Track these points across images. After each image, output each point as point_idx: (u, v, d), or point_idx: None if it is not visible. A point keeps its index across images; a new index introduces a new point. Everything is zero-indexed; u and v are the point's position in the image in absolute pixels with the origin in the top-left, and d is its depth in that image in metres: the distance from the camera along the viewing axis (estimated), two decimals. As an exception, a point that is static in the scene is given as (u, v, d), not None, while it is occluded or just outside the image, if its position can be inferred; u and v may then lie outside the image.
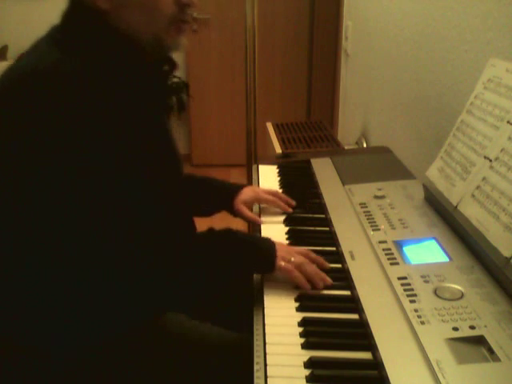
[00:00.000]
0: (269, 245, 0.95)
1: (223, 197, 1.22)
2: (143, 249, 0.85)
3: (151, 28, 0.86)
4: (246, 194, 1.21)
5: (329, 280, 0.91)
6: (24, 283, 0.83)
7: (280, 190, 1.31)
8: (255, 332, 0.81)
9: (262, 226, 1.15)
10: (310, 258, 0.95)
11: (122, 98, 0.83)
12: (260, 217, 1.19)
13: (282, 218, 1.18)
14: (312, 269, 0.92)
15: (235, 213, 1.21)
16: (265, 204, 1.22)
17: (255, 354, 0.76)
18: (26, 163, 0.76)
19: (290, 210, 1.19)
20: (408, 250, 0.95)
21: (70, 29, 0.85)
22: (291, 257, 0.92)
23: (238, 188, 1.22)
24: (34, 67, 0.79)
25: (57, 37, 0.85)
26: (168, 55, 0.95)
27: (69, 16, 0.86)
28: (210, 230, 0.96)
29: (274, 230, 1.13)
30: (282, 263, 0.91)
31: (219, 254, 0.92)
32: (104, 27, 0.84)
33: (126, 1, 0.84)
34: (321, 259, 0.96)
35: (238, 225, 2.49)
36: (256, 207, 1.23)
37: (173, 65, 0.97)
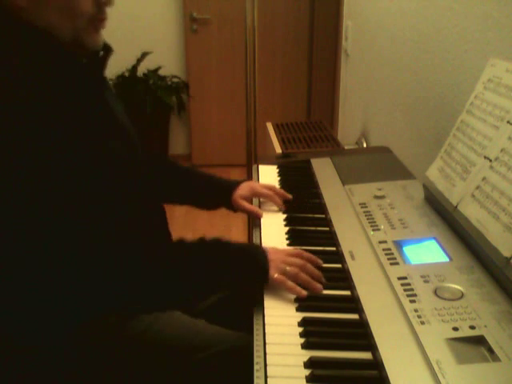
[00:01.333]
0: (261, 257, 0.93)
1: (221, 194, 1.22)
2: (101, 246, 0.84)
3: (70, 26, 0.85)
4: (244, 189, 1.22)
5: (323, 281, 0.91)
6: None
7: (272, 185, 1.30)
8: (255, 332, 0.81)
9: (262, 227, 1.14)
10: (304, 258, 0.94)
11: (41, 94, 0.81)
12: None
13: (282, 218, 1.18)
14: (307, 276, 0.90)
15: (234, 208, 1.21)
16: (262, 198, 1.23)
17: (255, 354, 0.76)
18: None
19: (284, 207, 1.20)
20: (408, 250, 0.95)
21: None
22: (286, 266, 0.91)
23: (235, 184, 1.23)
24: None
25: None
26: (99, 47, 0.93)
27: None
28: (201, 240, 0.95)
29: (274, 230, 1.13)
30: (276, 275, 0.89)
31: (205, 265, 0.91)
32: (20, 24, 0.82)
33: (45, 0, 0.82)
34: (314, 257, 0.96)
35: (239, 225, 2.49)
36: (256, 204, 1.23)
37: (108, 49, 0.95)
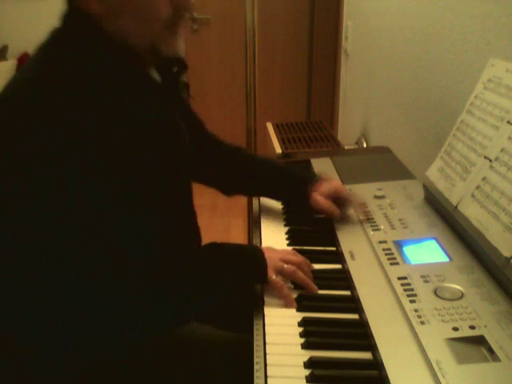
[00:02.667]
0: (259, 255, 0.92)
1: (299, 190, 1.15)
2: (136, 257, 0.84)
3: (146, 33, 0.84)
4: (326, 186, 1.13)
5: (315, 287, 0.91)
6: (15, 284, 0.82)
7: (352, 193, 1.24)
8: (255, 332, 0.81)
9: (262, 227, 1.14)
10: (299, 257, 0.95)
11: (112, 106, 0.82)
12: (260, 216, 1.19)
13: (282, 218, 1.18)
14: (303, 276, 0.91)
15: (310, 205, 1.13)
16: (344, 197, 1.13)
17: (255, 354, 0.76)
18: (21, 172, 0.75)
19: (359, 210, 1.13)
20: (408, 249, 0.95)
21: (66, 33, 0.84)
22: (283, 264, 0.91)
23: (314, 179, 1.15)
24: (15, 85, 0.80)
25: (51, 45, 0.84)
26: (177, 56, 0.93)
27: (65, 20, 0.85)
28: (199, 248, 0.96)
29: (274, 230, 1.13)
30: (274, 276, 0.89)
31: (210, 272, 0.90)
32: (98, 33, 0.82)
33: (120, 5, 0.82)
34: (307, 260, 0.96)
35: (239, 225, 2.49)
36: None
37: (182, 65, 0.96)
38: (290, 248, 1.03)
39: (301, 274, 0.91)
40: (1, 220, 0.78)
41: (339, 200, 1.13)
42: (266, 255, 0.92)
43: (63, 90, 0.77)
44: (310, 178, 1.16)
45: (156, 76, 0.96)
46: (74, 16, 0.84)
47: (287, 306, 0.87)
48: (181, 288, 0.87)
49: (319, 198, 1.11)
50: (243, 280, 0.94)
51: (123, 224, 0.82)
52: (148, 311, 0.84)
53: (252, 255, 0.93)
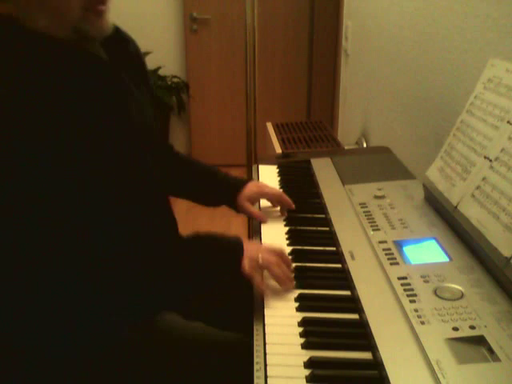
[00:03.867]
0: (235, 245, 0.94)
1: (226, 192, 1.20)
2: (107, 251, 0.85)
3: (63, 23, 0.81)
4: (251, 189, 1.19)
5: (293, 284, 0.92)
6: (8, 284, 0.83)
7: (280, 190, 1.31)
8: (255, 332, 0.81)
9: (262, 227, 1.14)
10: (283, 257, 0.95)
11: (44, 95, 0.79)
12: None
13: (282, 218, 1.18)
14: (279, 271, 0.91)
15: (238, 209, 1.20)
16: (268, 198, 1.21)
17: (255, 353, 0.76)
18: None
19: (293, 207, 1.18)
20: (408, 250, 0.95)
21: None
22: (258, 257, 0.92)
23: (242, 183, 1.21)
24: None
25: None
26: (108, 32, 0.88)
27: None
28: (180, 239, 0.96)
29: (274, 230, 1.13)
30: (247, 267, 0.90)
31: (189, 262, 0.92)
32: (14, 29, 0.80)
33: (29, 5, 0.79)
34: (289, 262, 0.96)
35: (239, 225, 2.49)
36: (256, 206, 1.23)
37: (123, 39, 0.94)
38: (289, 247, 1.04)
39: (275, 269, 0.91)
40: None
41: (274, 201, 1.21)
42: (245, 247, 0.93)
43: None
44: (238, 185, 1.20)
45: (103, 54, 0.92)
46: None
47: (262, 294, 0.88)
48: (154, 275, 0.88)
49: (246, 203, 1.17)
50: (217, 267, 0.94)
51: (80, 209, 0.81)
52: (131, 298, 0.86)
53: (230, 244, 0.95)
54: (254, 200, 1.21)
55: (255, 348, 0.77)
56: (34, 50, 0.81)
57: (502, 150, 0.92)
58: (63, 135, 0.80)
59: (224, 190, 1.21)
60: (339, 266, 0.97)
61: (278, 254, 0.95)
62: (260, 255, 0.92)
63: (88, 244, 0.83)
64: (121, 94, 0.93)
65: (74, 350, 0.85)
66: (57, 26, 0.82)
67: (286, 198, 1.19)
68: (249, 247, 0.94)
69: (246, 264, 0.91)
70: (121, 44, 0.99)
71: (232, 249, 0.94)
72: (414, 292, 0.82)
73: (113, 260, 0.85)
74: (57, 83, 0.82)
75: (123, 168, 0.91)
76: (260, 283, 0.90)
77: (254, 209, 1.19)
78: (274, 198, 1.20)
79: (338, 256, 1.00)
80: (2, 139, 0.74)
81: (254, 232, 1.14)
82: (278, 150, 1.94)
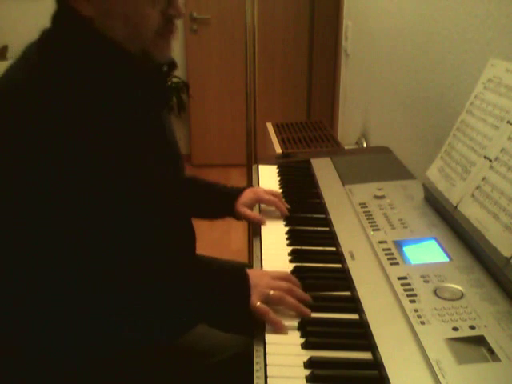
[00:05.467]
0: (241, 283, 0.88)
1: (225, 203, 1.20)
2: (133, 259, 0.85)
3: (137, 41, 0.85)
4: (247, 196, 1.20)
5: (311, 303, 0.86)
6: (13, 284, 0.82)
7: (280, 190, 1.31)
8: (255, 332, 0.81)
9: (262, 227, 1.14)
10: (291, 281, 0.90)
11: (106, 105, 0.82)
12: None
13: (282, 218, 1.18)
14: (293, 300, 0.84)
15: (238, 216, 1.20)
16: (265, 204, 1.21)
17: (255, 353, 0.76)
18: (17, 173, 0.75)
19: (287, 213, 1.18)
20: (408, 249, 0.95)
21: (58, 34, 0.84)
22: (269, 291, 0.85)
23: (239, 191, 1.21)
24: (5, 85, 0.80)
25: (43, 45, 0.84)
26: (169, 60, 0.93)
27: (57, 20, 0.85)
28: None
29: (274, 230, 1.13)
30: (258, 303, 0.84)
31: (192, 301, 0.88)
32: (90, 33, 0.82)
33: (111, 10, 0.82)
34: (298, 284, 0.90)
35: (239, 226, 2.49)
36: (256, 209, 1.23)
37: (172, 65, 0.96)
38: (289, 248, 1.04)
39: (289, 300, 0.84)
40: None
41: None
42: (252, 283, 0.87)
43: (54, 92, 0.78)
44: (234, 193, 1.21)
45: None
46: (65, 16, 0.84)
47: (276, 331, 0.80)
48: (164, 298, 0.86)
49: (243, 209, 1.18)
50: (225, 308, 0.89)
51: (112, 223, 0.82)
52: (143, 313, 0.84)
53: (236, 283, 0.89)
54: (251, 206, 1.20)
55: (255, 348, 0.77)
56: (111, 60, 0.84)
57: (502, 149, 0.92)
58: (121, 152, 0.83)
59: (222, 200, 1.21)
60: (339, 266, 0.97)
61: (286, 278, 0.90)
62: (271, 293, 0.85)
63: (114, 256, 0.82)
64: (165, 116, 1.00)
65: (77, 350, 0.85)
66: (131, 41, 0.84)
67: (281, 204, 1.19)
68: (255, 283, 0.87)
69: (256, 299, 0.84)
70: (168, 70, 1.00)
71: (239, 289, 0.87)
72: (414, 292, 0.82)
73: (133, 273, 0.85)
74: (126, 99, 0.86)
75: (162, 187, 0.93)
76: (274, 320, 0.81)
77: (251, 213, 1.18)
78: (270, 204, 1.20)
79: (338, 256, 1.00)
80: (64, 146, 0.75)
81: (254, 233, 1.14)
82: (278, 150, 1.94)
